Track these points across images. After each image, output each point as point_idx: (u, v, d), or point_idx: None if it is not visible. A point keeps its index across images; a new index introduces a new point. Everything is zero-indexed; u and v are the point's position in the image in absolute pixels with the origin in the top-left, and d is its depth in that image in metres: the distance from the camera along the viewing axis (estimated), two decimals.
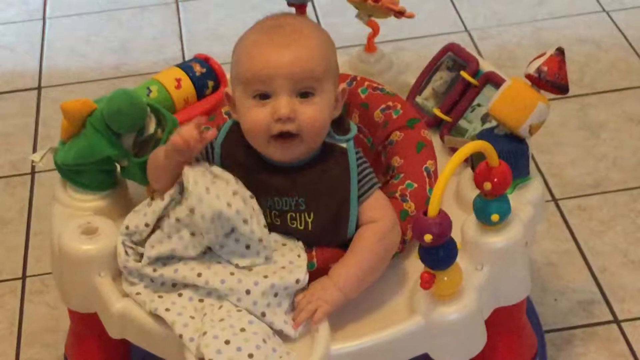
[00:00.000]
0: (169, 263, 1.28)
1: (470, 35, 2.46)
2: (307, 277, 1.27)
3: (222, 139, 1.33)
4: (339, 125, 1.33)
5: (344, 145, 1.32)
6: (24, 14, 2.66)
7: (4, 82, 2.42)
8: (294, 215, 1.30)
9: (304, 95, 1.28)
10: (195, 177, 1.25)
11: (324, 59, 1.29)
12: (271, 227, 1.31)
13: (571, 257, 1.85)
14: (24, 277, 1.90)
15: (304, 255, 1.29)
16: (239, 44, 1.32)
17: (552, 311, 1.74)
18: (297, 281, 1.26)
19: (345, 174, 1.31)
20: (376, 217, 1.30)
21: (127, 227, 1.32)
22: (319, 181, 1.30)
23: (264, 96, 1.27)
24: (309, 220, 1.30)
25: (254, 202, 1.28)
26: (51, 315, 1.80)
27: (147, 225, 1.30)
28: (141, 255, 1.31)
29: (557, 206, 1.95)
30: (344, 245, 1.31)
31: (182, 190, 1.28)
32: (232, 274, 1.26)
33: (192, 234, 1.27)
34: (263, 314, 1.24)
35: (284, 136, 1.27)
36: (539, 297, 1.76)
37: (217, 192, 1.24)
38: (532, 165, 1.44)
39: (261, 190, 1.30)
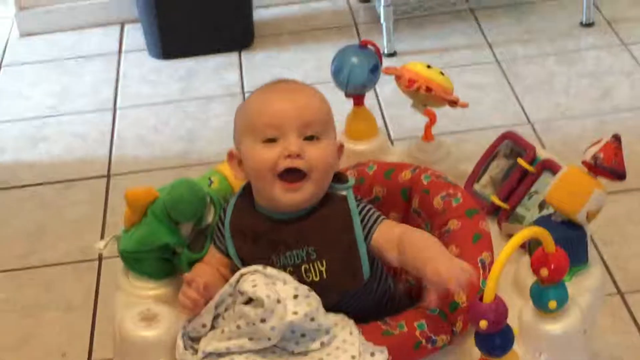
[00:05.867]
0: (223, 354, 1.29)
1: (533, 127, 2.46)
2: (362, 353, 1.27)
3: (230, 215, 1.39)
4: (337, 178, 1.39)
5: (343, 192, 1.37)
6: (95, 104, 2.74)
7: (74, 170, 2.48)
8: (307, 267, 1.33)
9: (310, 138, 1.34)
10: (259, 285, 1.27)
11: (325, 107, 1.38)
12: None
13: (638, 351, 1.82)
14: None
15: (355, 332, 1.30)
16: (243, 104, 1.40)
17: None
18: (353, 357, 1.26)
19: (347, 216, 1.34)
20: (398, 230, 1.34)
21: (185, 327, 1.33)
22: (324, 227, 1.34)
23: (272, 140, 1.34)
24: (323, 269, 1.33)
25: (313, 294, 1.30)
26: None
27: (204, 326, 1.32)
28: (197, 350, 1.32)
29: (623, 300, 1.93)
30: (377, 316, 1.33)
31: (233, 292, 1.30)
32: (287, 359, 1.27)
33: (251, 339, 1.28)
34: None
35: (292, 177, 1.32)
36: None
37: (284, 302, 1.26)
38: (594, 255, 1.43)
39: (272, 249, 1.34)
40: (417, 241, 1.33)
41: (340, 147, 1.40)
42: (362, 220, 1.35)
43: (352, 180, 1.40)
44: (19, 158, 2.55)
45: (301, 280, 1.33)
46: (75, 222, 2.30)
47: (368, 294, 1.37)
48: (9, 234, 2.29)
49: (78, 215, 2.33)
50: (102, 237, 2.24)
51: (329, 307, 1.33)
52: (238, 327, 1.27)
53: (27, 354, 1.96)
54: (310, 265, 1.33)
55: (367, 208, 1.37)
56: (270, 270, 1.31)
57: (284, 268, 1.34)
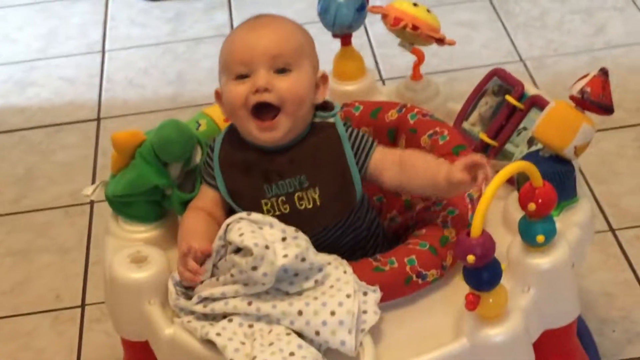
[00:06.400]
0: (218, 299, 1.30)
1: (525, 65, 2.45)
2: (356, 291, 1.28)
3: (219, 150, 1.39)
4: (324, 107, 1.39)
5: (331, 120, 1.37)
6: (83, 47, 2.71)
7: (64, 114, 2.47)
8: (300, 195, 1.34)
9: (282, 71, 1.33)
10: (246, 233, 1.27)
11: (297, 38, 1.36)
12: (281, 217, 1.33)
13: (630, 287, 1.82)
14: (83, 306, 1.93)
15: (349, 270, 1.30)
16: (223, 43, 1.39)
17: (610, 342, 1.71)
18: (348, 296, 1.27)
19: (337, 142, 1.35)
20: (397, 152, 1.38)
21: (175, 277, 1.34)
22: (315, 155, 1.35)
23: (244, 76, 1.34)
24: (316, 196, 1.34)
25: (300, 234, 1.30)
26: (109, 344, 1.82)
27: (201, 282, 1.32)
28: (190, 296, 1.32)
29: (615, 236, 1.93)
30: (370, 255, 1.36)
31: (225, 244, 1.30)
32: (282, 299, 1.28)
33: (245, 285, 1.28)
34: (317, 333, 1.25)
35: (264, 114, 1.32)
36: (598, 329, 1.73)
37: (272, 246, 1.26)
38: (584, 190, 1.43)
39: (263, 179, 1.35)
40: (419, 159, 1.37)
41: (323, 78, 1.39)
42: (353, 145, 1.36)
43: (338, 106, 1.40)
44: (7, 102, 2.53)
45: (294, 208, 1.34)
46: (65, 166, 2.30)
47: (358, 223, 1.38)
48: None
49: (68, 159, 2.32)
50: (93, 180, 2.24)
51: (322, 238, 1.35)
52: (232, 275, 1.28)
53: (22, 297, 1.97)
54: (304, 193, 1.34)
55: (357, 133, 1.38)
56: (255, 215, 1.31)
57: (276, 197, 1.34)
